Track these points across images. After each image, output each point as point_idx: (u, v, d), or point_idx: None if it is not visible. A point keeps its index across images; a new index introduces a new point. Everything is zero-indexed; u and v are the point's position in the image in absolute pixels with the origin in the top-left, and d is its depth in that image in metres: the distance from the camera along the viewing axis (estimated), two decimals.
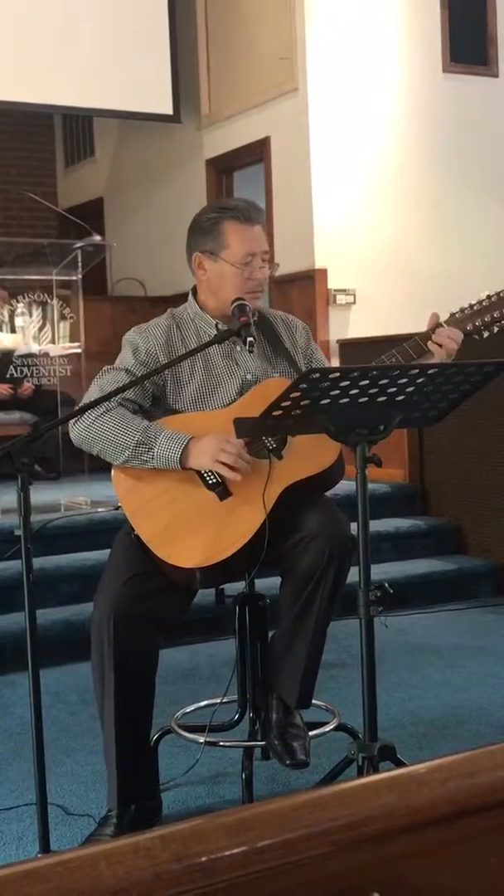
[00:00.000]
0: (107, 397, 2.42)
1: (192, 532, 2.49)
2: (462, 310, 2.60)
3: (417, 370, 2.19)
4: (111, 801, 2.53)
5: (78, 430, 2.53)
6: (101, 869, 0.71)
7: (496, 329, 2.59)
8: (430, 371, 2.21)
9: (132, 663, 2.46)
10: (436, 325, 2.57)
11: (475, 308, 2.59)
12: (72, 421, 2.52)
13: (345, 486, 2.69)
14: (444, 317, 2.61)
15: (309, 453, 2.52)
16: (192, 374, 2.63)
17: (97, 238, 5.81)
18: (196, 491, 2.51)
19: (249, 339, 2.45)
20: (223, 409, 2.60)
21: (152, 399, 2.61)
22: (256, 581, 2.72)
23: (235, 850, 0.74)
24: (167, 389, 2.62)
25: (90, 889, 0.70)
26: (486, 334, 2.59)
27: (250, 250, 2.61)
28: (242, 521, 2.49)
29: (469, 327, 2.58)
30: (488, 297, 2.59)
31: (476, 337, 2.59)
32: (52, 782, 2.51)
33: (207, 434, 2.49)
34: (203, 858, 0.73)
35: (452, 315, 2.60)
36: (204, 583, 2.56)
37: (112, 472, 2.57)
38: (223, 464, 2.44)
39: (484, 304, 2.59)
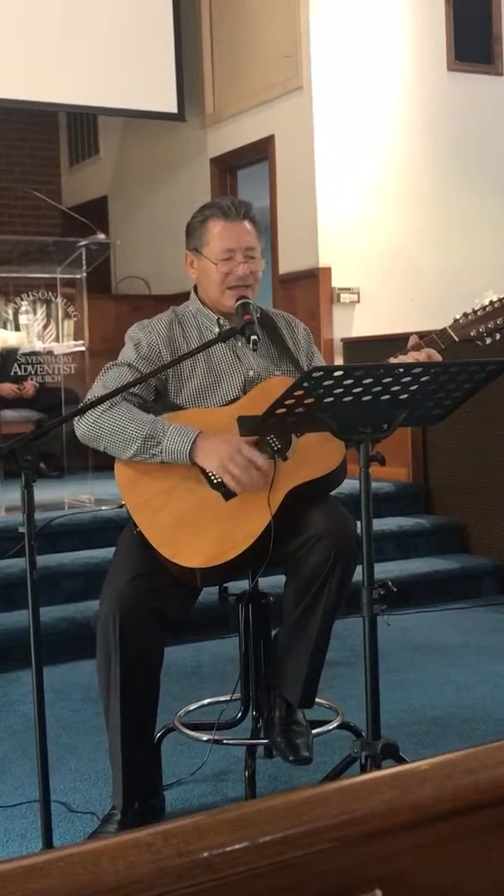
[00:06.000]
0: (112, 394, 2.42)
1: (197, 531, 2.49)
2: (465, 315, 2.60)
3: (421, 368, 2.19)
4: (115, 798, 2.53)
5: (84, 427, 2.53)
6: (102, 864, 0.71)
7: (498, 336, 2.60)
8: (433, 369, 2.21)
9: (137, 661, 2.46)
10: (414, 348, 2.56)
11: (479, 314, 2.59)
12: (77, 418, 2.52)
13: (348, 485, 2.69)
14: (447, 321, 2.61)
15: (314, 455, 2.52)
16: (193, 369, 2.63)
17: (101, 236, 5.80)
18: (200, 489, 2.51)
19: (254, 337, 2.45)
20: (226, 407, 2.60)
21: (155, 393, 2.62)
22: (260, 579, 2.72)
23: (237, 846, 0.74)
24: (169, 384, 2.62)
25: (91, 884, 0.70)
26: (488, 341, 2.60)
27: (228, 246, 2.61)
28: (248, 522, 2.48)
29: (472, 333, 2.59)
30: (491, 302, 2.59)
31: (479, 343, 2.60)
32: (55, 780, 2.52)
33: (219, 433, 2.49)
34: (205, 854, 0.73)
35: (456, 321, 2.60)
36: (206, 581, 2.56)
37: (115, 467, 2.56)
38: (229, 472, 2.44)
39: (487, 309, 2.59)
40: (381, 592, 2.25)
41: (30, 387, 5.90)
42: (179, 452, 2.46)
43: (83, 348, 5.57)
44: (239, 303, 2.57)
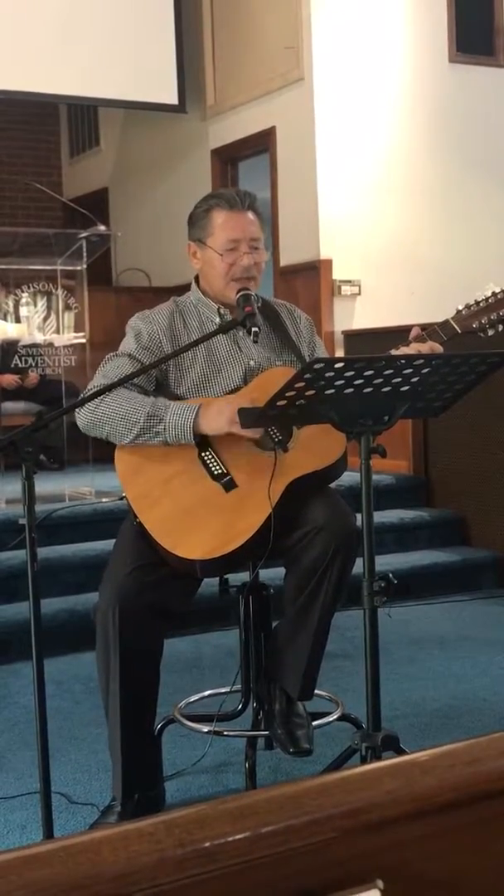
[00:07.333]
0: (113, 385, 2.41)
1: (197, 523, 2.49)
2: (468, 306, 2.59)
3: (422, 360, 2.19)
4: (115, 789, 2.54)
5: (84, 416, 2.52)
6: (103, 854, 0.71)
7: (500, 328, 2.59)
8: (435, 361, 2.21)
9: (137, 653, 2.46)
10: (416, 339, 2.56)
11: (481, 305, 2.58)
12: (77, 408, 2.52)
13: (349, 477, 2.69)
14: (450, 313, 2.60)
15: (315, 447, 2.52)
16: (193, 359, 2.63)
17: (102, 228, 5.79)
18: (201, 480, 2.51)
19: (255, 329, 2.45)
20: (226, 397, 2.59)
21: (156, 383, 2.61)
22: (261, 571, 2.71)
23: (239, 836, 0.74)
24: (169, 375, 2.61)
25: (93, 874, 0.70)
26: (490, 332, 2.59)
27: (233, 236, 2.61)
28: (248, 514, 2.48)
29: (475, 325, 2.58)
30: (494, 294, 2.59)
31: (481, 335, 2.59)
32: (55, 771, 2.52)
33: (218, 398, 2.48)
34: (206, 844, 0.73)
35: (458, 312, 2.59)
36: (205, 573, 2.56)
37: (116, 456, 2.56)
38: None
39: (490, 301, 2.58)
40: (382, 585, 2.25)
41: (34, 377, 5.89)
42: (183, 426, 2.45)
43: (83, 340, 5.57)
44: (240, 294, 2.56)
